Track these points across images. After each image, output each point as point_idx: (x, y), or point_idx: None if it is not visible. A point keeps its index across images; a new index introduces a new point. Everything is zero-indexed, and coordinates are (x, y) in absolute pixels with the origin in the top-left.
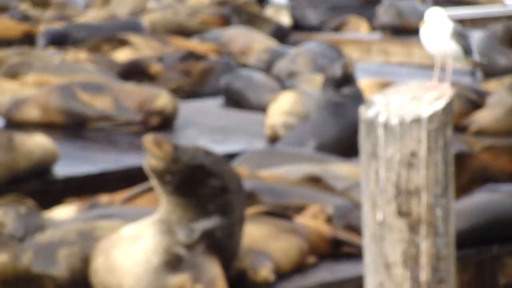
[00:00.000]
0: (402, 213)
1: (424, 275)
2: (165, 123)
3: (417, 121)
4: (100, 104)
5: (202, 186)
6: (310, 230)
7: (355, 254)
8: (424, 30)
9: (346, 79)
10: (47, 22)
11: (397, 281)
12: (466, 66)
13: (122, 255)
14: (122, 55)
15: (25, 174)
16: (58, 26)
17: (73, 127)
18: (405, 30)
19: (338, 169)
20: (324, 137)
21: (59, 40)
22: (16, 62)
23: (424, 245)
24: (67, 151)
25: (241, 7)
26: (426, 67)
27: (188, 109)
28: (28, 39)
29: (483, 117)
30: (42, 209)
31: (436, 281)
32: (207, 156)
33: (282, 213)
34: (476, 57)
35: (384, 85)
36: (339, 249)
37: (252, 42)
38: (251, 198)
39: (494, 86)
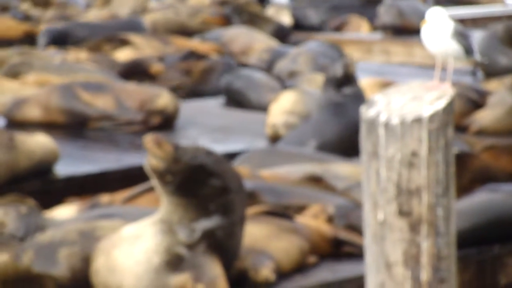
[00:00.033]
0: (403, 213)
1: (425, 274)
2: (166, 122)
3: (418, 120)
4: (101, 103)
5: (203, 186)
6: (311, 229)
7: (356, 253)
8: (425, 30)
9: (347, 79)
10: (48, 22)
11: (398, 281)
12: (467, 66)
13: (123, 255)
14: (123, 55)
15: (26, 173)
16: (59, 24)
17: (74, 126)
18: (406, 30)
19: (339, 169)
20: (325, 137)
21: (60, 39)
22: (17, 61)
23: (425, 245)
24: (68, 150)
25: (242, 7)
26: (427, 67)
27: (189, 108)
28: (29, 39)
29: (484, 117)
30: (43, 209)
31: (437, 280)
32: (208, 156)
33: (283, 212)
34: (477, 56)
35: (385, 85)
36: (340, 248)
37: (253, 41)
38: (252, 197)
39: (495, 86)
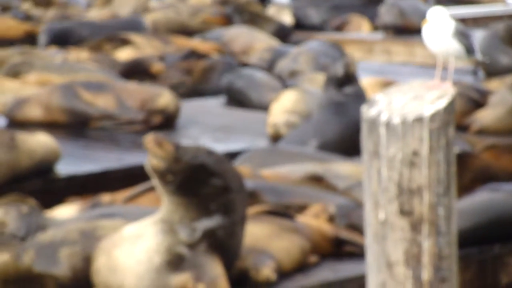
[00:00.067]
0: (404, 212)
1: (426, 274)
2: (167, 122)
3: (419, 120)
4: (102, 103)
5: (204, 186)
6: (312, 229)
7: (357, 253)
8: (426, 29)
9: (348, 78)
10: (49, 22)
11: (399, 280)
12: (468, 65)
13: (124, 255)
14: (124, 55)
15: (27, 173)
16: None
17: (75, 126)
18: (407, 29)
19: (340, 168)
20: (326, 136)
21: (61, 38)
22: (18, 61)
23: (426, 244)
24: (69, 150)
25: (243, 6)
26: (428, 67)
27: (190, 108)
28: (30, 39)
29: (485, 116)
30: (44, 208)
31: (438, 280)
32: (209, 156)
33: (284, 212)
34: (478, 56)
35: (386, 84)
36: (341, 248)
37: (254, 41)
38: (253, 197)
39: (496, 85)
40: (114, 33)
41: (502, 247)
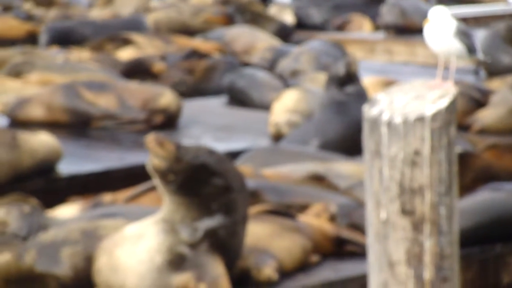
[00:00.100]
0: (406, 212)
1: (427, 273)
2: (169, 121)
3: (420, 119)
4: (104, 102)
5: (205, 185)
6: (314, 228)
7: (358, 252)
8: (428, 29)
9: (350, 78)
10: (51, 22)
11: (401, 280)
12: (470, 64)
13: (125, 254)
14: (125, 54)
15: (29, 172)
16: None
17: (77, 125)
18: (408, 29)
19: (342, 168)
20: (328, 136)
21: (62, 37)
22: (19, 61)
23: (428, 244)
24: (71, 149)
25: (245, 6)
26: (430, 66)
27: (192, 107)
28: (31, 39)
29: (487, 116)
30: (45, 208)
31: (439, 279)
32: (210, 155)
33: (286, 211)
34: (480, 55)
35: (387, 84)
36: (343, 247)
37: (256, 41)
38: (254, 196)
39: (498, 85)
40: (115, 33)
41: (503, 246)
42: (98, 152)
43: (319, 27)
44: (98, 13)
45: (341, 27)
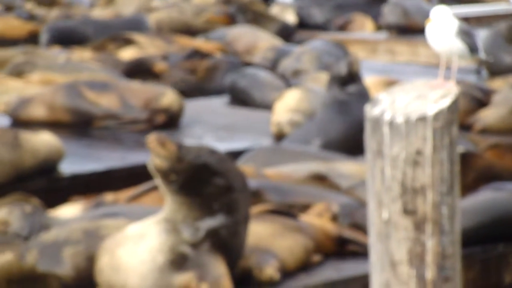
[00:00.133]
0: (408, 212)
1: (429, 273)
2: (170, 121)
3: (422, 119)
4: (106, 102)
5: (207, 185)
6: (316, 228)
7: (360, 252)
8: (430, 28)
9: (352, 77)
10: (53, 21)
11: (403, 280)
12: (472, 64)
13: (127, 254)
14: (127, 54)
15: (30, 172)
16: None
17: (78, 125)
18: (410, 29)
19: (344, 167)
20: (330, 135)
21: (63, 37)
22: (21, 61)
23: (430, 243)
24: (73, 149)
25: (247, 5)
26: (432, 66)
27: (194, 107)
28: (33, 39)
29: (488, 115)
30: (47, 208)
31: (441, 279)
32: (212, 155)
33: (288, 211)
34: (482, 55)
35: (389, 83)
36: (345, 247)
37: (257, 40)
38: (256, 196)
39: (499, 84)
40: (117, 33)
41: (505, 246)
42: (100, 152)
43: (321, 27)
44: (100, 13)
45: (343, 27)
